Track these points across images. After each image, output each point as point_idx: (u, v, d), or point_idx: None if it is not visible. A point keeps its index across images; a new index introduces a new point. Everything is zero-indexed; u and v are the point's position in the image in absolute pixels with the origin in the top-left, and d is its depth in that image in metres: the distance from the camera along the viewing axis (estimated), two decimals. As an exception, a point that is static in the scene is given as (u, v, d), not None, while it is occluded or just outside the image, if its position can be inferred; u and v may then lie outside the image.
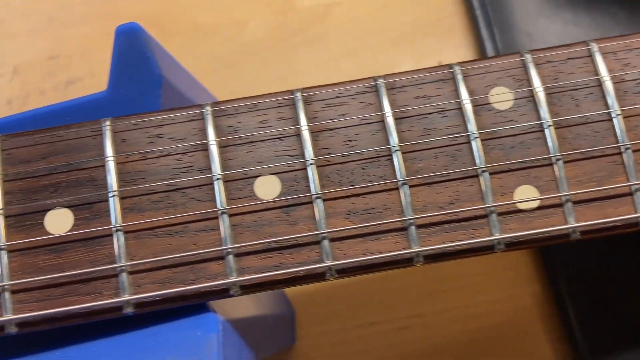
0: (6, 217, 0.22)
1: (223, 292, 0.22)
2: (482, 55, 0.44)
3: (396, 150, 0.23)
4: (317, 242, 0.22)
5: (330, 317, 0.42)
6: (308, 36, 0.49)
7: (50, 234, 0.22)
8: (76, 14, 0.51)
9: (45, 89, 0.49)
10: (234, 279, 0.22)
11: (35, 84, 0.50)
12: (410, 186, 0.23)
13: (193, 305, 0.23)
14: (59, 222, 0.22)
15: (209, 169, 0.23)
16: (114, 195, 0.22)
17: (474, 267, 0.43)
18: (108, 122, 0.23)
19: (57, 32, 0.50)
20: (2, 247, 0.21)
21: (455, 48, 0.49)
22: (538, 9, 0.46)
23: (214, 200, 0.22)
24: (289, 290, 0.40)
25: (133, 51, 0.24)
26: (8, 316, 0.21)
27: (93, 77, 0.49)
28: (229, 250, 0.22)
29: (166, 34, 0.50)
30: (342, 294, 0.42)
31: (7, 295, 0.21)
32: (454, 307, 0.43)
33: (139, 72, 0.24)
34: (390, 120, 0.23)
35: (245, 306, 0.29)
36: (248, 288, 0.22)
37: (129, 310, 0.21)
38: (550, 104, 0.24)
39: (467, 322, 0.43)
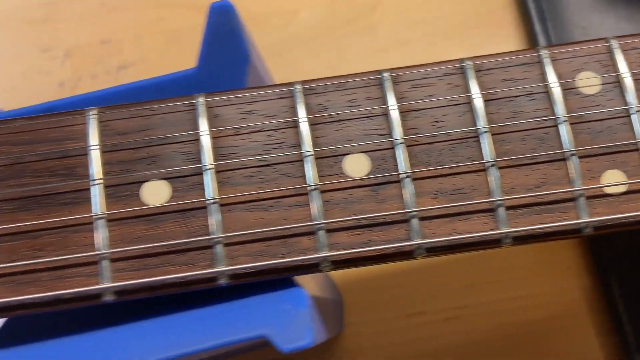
0: (106, 187, 0.22)
1: (314, 267, 0.22)
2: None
3: (485, 132, 0.23)
4: (406, 221, 0.23)
5: (376, 306, 0.42)
6: (358, 26, 0.50)
7: (146, 205, 0.22)
8: (128, 0, 0.52)
9: (97, 73, 0.50)
10: (325, 253, 0.22)
11: (87, 67, 0.50)
12: (499, 168, 0.23)
13: (277, 280, 0.23)
14: (155, 193, 0.22)
15: (299, 145, 0.23)
16: (209, 169, 0.22)
17: (520, 260, 0.44)
18: (202, 98, 0.23)
19: (109, 17, 0.51)
20: (102, 216, 0.22)
21: (506, 40, 0.49)
22: (591, 3, 0.46)
23: (304, 176, 0.23)
24: (336, 278, 0.40)
25: (224, 28, 0.24)
26: (107, 284, 0.21)
27: (144, 63, 0.50)
28: (320, 225, 0.22)
29: (217, 21, 0.51)
30: (388, 284, 0.43)
31: (106, 263, 0.22)
32: (501, 299, 0.43)
33: (229, 50, 0.24)
34: (478, 102, 0.24)
35: (312, 287, 0.29)
36: (338, 263, 0.22)
37: (223, 281, 0.22)
38: (637, 89, 0.24)
39: (514, 314, 0.43)
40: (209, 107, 0.23)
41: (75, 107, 0.24)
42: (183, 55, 0.50)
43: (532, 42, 0.46)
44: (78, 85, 0.50)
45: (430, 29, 0.49)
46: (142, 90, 0.25)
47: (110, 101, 0.24)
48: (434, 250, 0.23)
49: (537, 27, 0.46)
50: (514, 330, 0.43)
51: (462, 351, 0.43)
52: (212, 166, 0.22)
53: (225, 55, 0.24)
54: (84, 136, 0.22)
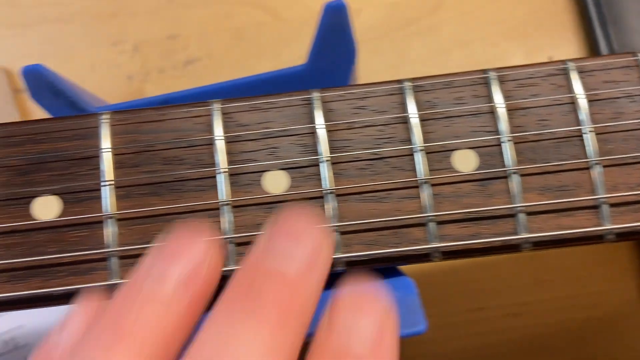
0: (230, 175, 0.23)
1: (424, 257, 0.23)
2: (595, 53, 0.44)
3: (589, 132, 0.24)
4: (513, 215, 0.24)
5: (439, 300, 0.43)
6: (420, 26, 0.51)
7: (268, 193, 0.23)
8: (195, -4, 0.53)
9: (165, 68, 0.51)
10: (435, 244, 0.23)
11: (154, 62, 0.52)
12: (602, 166, 0.24)
13: (382, 269, 0.24)
14: (275, 183, 0.23)
15: (409, 140, 0.24)
16: (325, 161, 0.23)
17: (578, 259, 0.44)
18: (317, 93, 0.24)
19: (176, 12, 0.52)
20: (227, 202, 0.23)
21: (567, 44, 0.49)
22: (653, 8, 0.46)
23: (414, 170, 0.24)
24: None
25: (336, 27, 0.25)
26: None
27: (211, 58, 0.51)
28: (431, 217, 0.23)
29: (280, 19, 0.52)
30: (450, 280, 0.43)
31: (231, 247, 0.23)
32: (561, 297, 0.44)
33: (338, 48, 0.25)
34: (582, 103, 0.24)
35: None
36: (447, 254, 0.23)
37: (339, 267, 0.23)
38: None
39: (571, 312, 0.44)
40: (324, 102, 0.24)
41: (190, 100, 0.25)
42: (247, 52, 0.52)
43: (592, 47, 0.46)
44: (146, 79, 0.51)
45: (491, 30, 0.50)
46: (252, 85, 0.26)
47: (224, 94, 0.25)
48: (539, 245, 0.23)
49: (598, 32, 0.47)
50: (571, 329, 0.44)
51: (519, 347, 0.44)
52: (328, 158, 0.23)
53: (335, 53, 0.25)
54: (209, 127, 0.23)
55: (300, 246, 0.18)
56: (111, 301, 0.17)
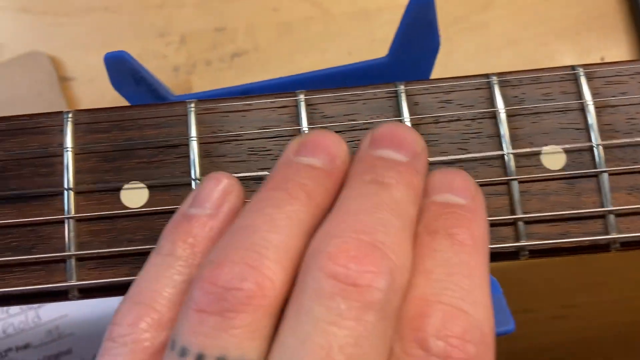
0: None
1: (512, 255, 0.23)
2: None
3: (682, 131, 0.24)
4: (602, 215, 0.23)
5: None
6: (470, 23, 0.50)
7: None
8: (242, -11, 0.53)
9: (211, 60, 0.51)
10: (523, 243, 0.23)
11: (201, 54, 0.52)
12: (695, 167, 0.23)
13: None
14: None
15: (497, 136, 0.24)
16: (413, 155, 0.23)
17: (627, 262, 0.44)
18: (402, 86, 0.24)
19: (224, 4, 0.52)
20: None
21: (617, 45, 0.49)
22: None
23: (503, 166, 0.23)
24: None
25: (421, 19, 0.25)
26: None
27: (258, 51, 0.51)
28: (519, 215, 0.23)
29: (329, 15, 0.51)
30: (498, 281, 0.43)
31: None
32: (609, 300, 0.43)
33: (421, 41, 0.25)
34: (673, 101, 0.24)
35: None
36: (535, 253, 0.23)
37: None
38: None
39: (621, 315, 0.43)
40: (409, 95, 0.24)
41: (269, 91, 0.24)
42: (294, 46, 0.51)
43: (646, 47, 0.46)
44: (193, 71, 0.51)
45: (542, 29, 0.50)
46: (330, 78, 0.25)
47: (302, 86, 0.25)
48: (628, 245, 0.23)
49: (652, 32, 0.46)
50: (621, 330, 0.43)
51: (566, 349, 0.44)
52: (415, 152, 0.23)
53: (418, 47, 0.25)
54: (295, 118, 0.23)
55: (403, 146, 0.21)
56: (273, 172, 0.20)
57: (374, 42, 0.51)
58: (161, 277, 0.18)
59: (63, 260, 0.21)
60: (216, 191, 0.19)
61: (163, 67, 0.51)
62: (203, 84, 0.50)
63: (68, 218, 0.21)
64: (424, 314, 0.17)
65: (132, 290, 0.19)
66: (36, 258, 0.21)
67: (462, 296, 0.17)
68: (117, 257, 0.21)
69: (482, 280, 0.18)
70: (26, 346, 0.44)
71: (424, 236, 0.19)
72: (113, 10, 0.52)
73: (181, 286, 0.18)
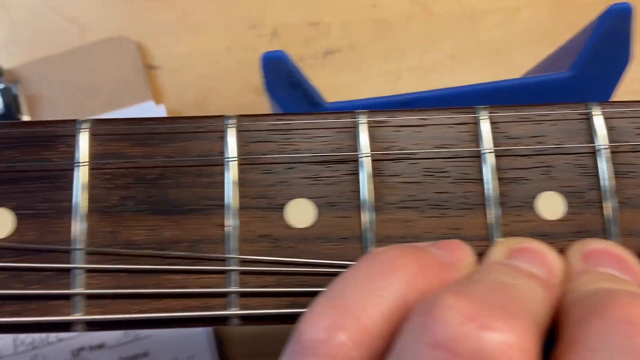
0: (501, 194, 0.20)
1: None
2: None
3: None
4: None
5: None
6: (583, 31, 0.47)
7: (542, 218, 0.20)
8: (341, -18, 0.50)
9: (304, 56, 0.49)
10: None
11: (293, 48, 0.49)
12: None
13: None
14: (552, 207, 0.20)
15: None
16: (608, 187, 0.20)
17: None
18: (597, 107, 0.21)
19: (319, -2, 0.50)
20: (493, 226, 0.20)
21: None
22: None
23: None
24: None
25: (616, 31, 0.22)
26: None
27: (352, 50, 0.48)
28: None
29: (431, 14, 0.48)
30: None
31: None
32: None
33: (613, 55, 0.22)
34: None
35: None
36: None
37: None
38: None
39: None
40: (606, 119, 0.21)
41: (435, 104, 0.22)
42: (391, 46, 0.49)
43: None
44: (284, 65, 0.49)
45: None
46: (505, 90, 0.23)
47: (472, 98, 0.22)
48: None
49: None
50: None
51: None
52: (611, 184, 0.20)
53: (605, 62, 0.22)
54: (475, 137, 0.20)
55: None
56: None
57: (478, 45, 0.48)
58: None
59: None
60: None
61: (252, 60, 0.49)
62: (295, 80, 0.48)
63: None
64: None
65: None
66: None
67: None
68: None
69: None
70: (100, 346, 0.42)
71: None
72: (204, -3, 0.50)
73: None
